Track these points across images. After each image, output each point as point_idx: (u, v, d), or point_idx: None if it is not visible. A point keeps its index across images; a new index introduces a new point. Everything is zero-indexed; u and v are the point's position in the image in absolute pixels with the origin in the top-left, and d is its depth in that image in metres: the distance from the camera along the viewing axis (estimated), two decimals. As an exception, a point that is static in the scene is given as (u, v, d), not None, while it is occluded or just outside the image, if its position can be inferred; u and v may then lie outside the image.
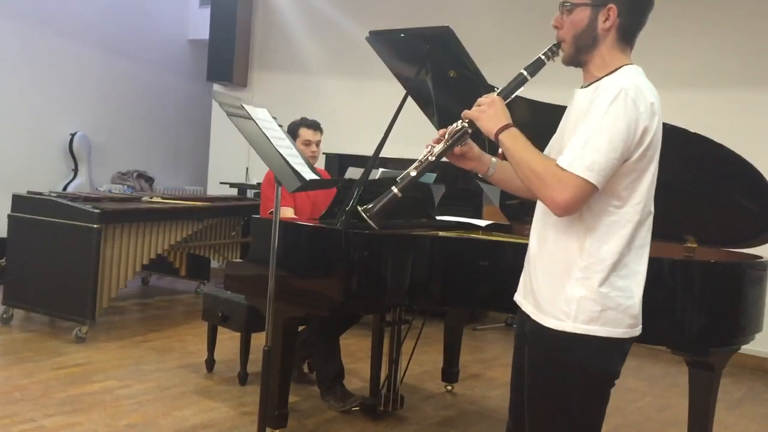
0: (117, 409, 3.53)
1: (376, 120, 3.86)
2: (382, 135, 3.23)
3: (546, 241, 1.84)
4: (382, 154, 3.29)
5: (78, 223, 4.56)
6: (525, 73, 1.90)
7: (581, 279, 1.74)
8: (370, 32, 3.20)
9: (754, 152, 2.79)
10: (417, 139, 5.04)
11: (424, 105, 3.49)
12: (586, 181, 1.65)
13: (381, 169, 4.22)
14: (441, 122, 3.54)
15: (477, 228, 3.66)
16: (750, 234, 2.93)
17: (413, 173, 1.92)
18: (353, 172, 4.13)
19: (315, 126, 4.17)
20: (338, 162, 6.30)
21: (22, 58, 6.88)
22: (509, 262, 3.12)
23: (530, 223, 3.67)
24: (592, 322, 1.73)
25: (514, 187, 2.03)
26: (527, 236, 3.60)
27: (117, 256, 4.75)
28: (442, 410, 3.90)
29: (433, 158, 1.92)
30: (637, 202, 1.74)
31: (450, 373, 4.20)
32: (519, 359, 1.96)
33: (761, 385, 4.92)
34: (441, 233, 3.25)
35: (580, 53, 1.83)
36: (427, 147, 1.96)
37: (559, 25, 1.84)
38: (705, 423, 2.89)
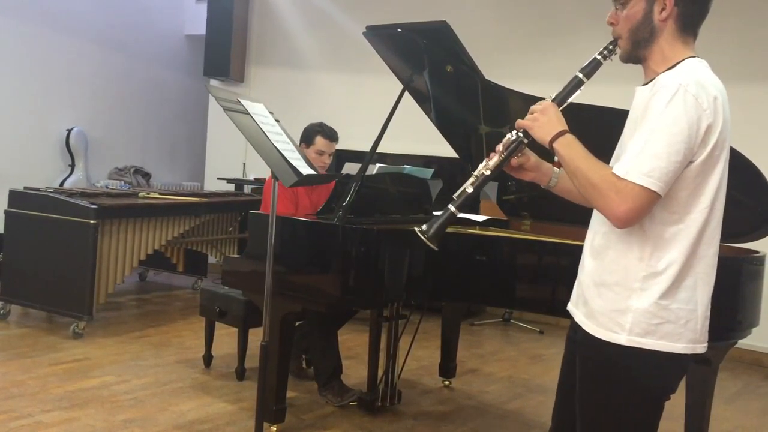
0: (114, 404, 3.53)
1: (373, 115, 3.85)
2: (379, 130, 3.23)
3: (601, 250, 1.73)
4: (379, 150, 3.29)
5: (75, 218, 4.55)
6: (580, 75, 1.78)
7: (639, 290, 1.64)
8: (367, 27, 3.20)
9: (750, 147, 2.79)
10: (414, 134, 5.07)
11: (421, 100, 3.49)
12: (646, 189, 1.54)
13: (378, 165, 4.22)
14: (438, 118, 3.54)
15: (474, 223, 3.66)
16: (747, 229, 2.94)
17: (470, 189, 1.81)
18: (350, 168, 4.13)
19: (333, 137, 4.02)
20: (335, 157, 6.30)
21: (19, 54, 6.85)
22: (506, 257, 3.13)
23: (526, 218, 3.69)
24: (647, 335, 1.63)
25: (579, 198, 1.86)
26: (524, 232, 3.62)
27: (114, 252, 4.74)
28: (440, 405, 3.91)
29: (489, 172, 1.81)
30: (704, 206, 1.63)
31: (447, 368, 4.20)
32: (568, 363, 1.89)
33: (758, 379, 4.93)
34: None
35: (638, 48, 1.72)
36: (483, 161, 1.84)
37: (614, 21, 1.74)
38: (702, 417, 2.91)
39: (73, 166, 7.34)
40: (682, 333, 1.64)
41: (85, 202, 4.59)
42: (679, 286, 1.63)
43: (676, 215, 1.62)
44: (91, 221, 4.52)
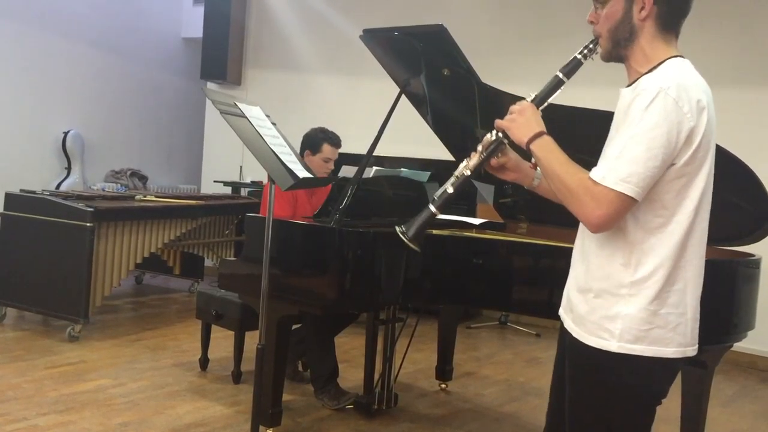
0: (110, 407, 3.52)
1: (370, 118, 3.86)
2: (376, 133, 3.23)
3: (587, 255, 1.71)
4: (375, 153, 3.29)
5: (71, 221, 4.54)
6: (560, 75, 1.75)
7: (627, 296, 1.61)
8: (364, 30, 3.20)
9: (747, 150, 2.80)
10: (411, 137, 5.08)
11: (417, 103, 3.49)
12: (622, 194, 1.52)
13: (375, 168, 4.22)
14: (435, 121, 3.55)
15: (471, 226, 3.67)
16: (742, 232, 2.94)
17: (450, 190, 1.78)
18: (347, 171, 4.13)
19: (339, 143, 3.99)
20: (332, 160, 6.31)
21: (16, 56, 6.85)
22: (503, 260, 3.14)
23: (523, 221, 3.69)
24: (638, 342, 1.61)
25: None
26: (520, 235, 3.62)
27: (110, 255, 4.74)
28: (436, 408, 3.91)
29: (469, 172, 1.79)
30: (690, 209, 1.59)
31: (444, 371, 4.20)
32: (559, 366, 1.89)
33: (754, 382, 4.94)
34: (435, 231, 3.25)
35: (618, 47, 1.69)
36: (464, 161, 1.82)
37: (594, 20, 1.71)
38: (698, 420, 2.91)
39: (69, 168, 7.34)
40: (672, 337, 1.63)
41: (81, 205, 4.59)
42: (669, 291, 1.61)
43: (662, 218, 1.60)
44: (88, 224, 4.51)
